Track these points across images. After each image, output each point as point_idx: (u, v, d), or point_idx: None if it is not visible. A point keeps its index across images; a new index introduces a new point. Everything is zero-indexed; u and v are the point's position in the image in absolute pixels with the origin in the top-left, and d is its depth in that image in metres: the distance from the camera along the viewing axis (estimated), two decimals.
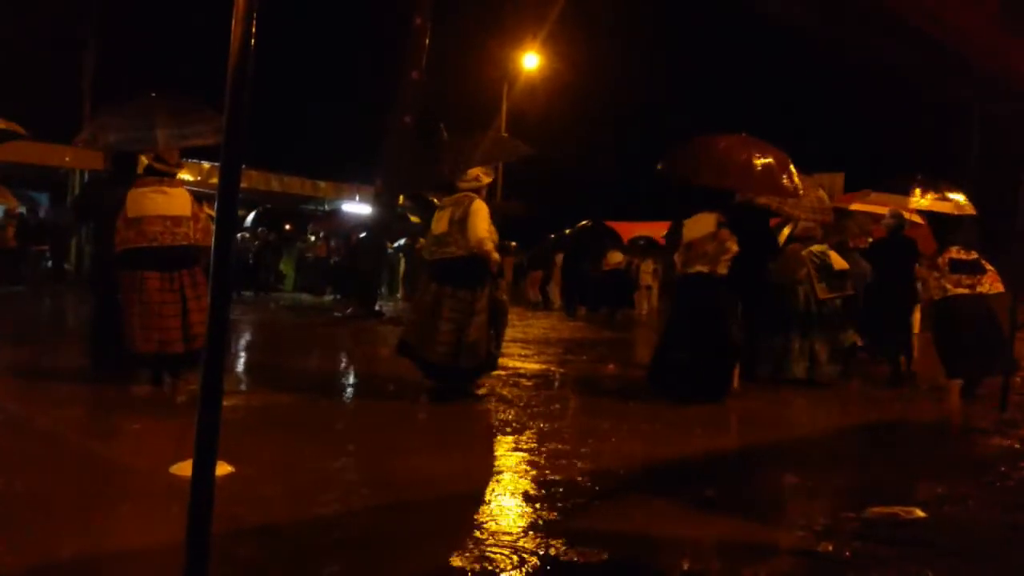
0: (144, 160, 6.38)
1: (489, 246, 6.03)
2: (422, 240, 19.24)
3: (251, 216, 21.40)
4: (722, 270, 6.58)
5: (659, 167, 7.13)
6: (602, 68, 28.64)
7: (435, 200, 6.91)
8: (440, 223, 6.22)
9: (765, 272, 7.85)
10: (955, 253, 7.83)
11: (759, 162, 6.71)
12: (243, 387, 6.43)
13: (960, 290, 7.61)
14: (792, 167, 6.86)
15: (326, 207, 25.30)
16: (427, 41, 14.34)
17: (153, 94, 6.60)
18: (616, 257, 18.47)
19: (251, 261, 19.51)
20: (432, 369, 6.24)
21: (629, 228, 22.16)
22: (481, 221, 6.01)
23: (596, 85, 29.17)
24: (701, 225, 6.72)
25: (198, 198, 6.51)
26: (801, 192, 7.16)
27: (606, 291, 18.18)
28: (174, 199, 6.15)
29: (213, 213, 6.61)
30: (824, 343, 7.99)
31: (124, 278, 6.03)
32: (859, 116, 27.33)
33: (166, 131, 6.30)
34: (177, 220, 6.09)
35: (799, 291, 8.02)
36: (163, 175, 6.24)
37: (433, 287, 6.17)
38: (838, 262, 8.31)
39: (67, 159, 18.30)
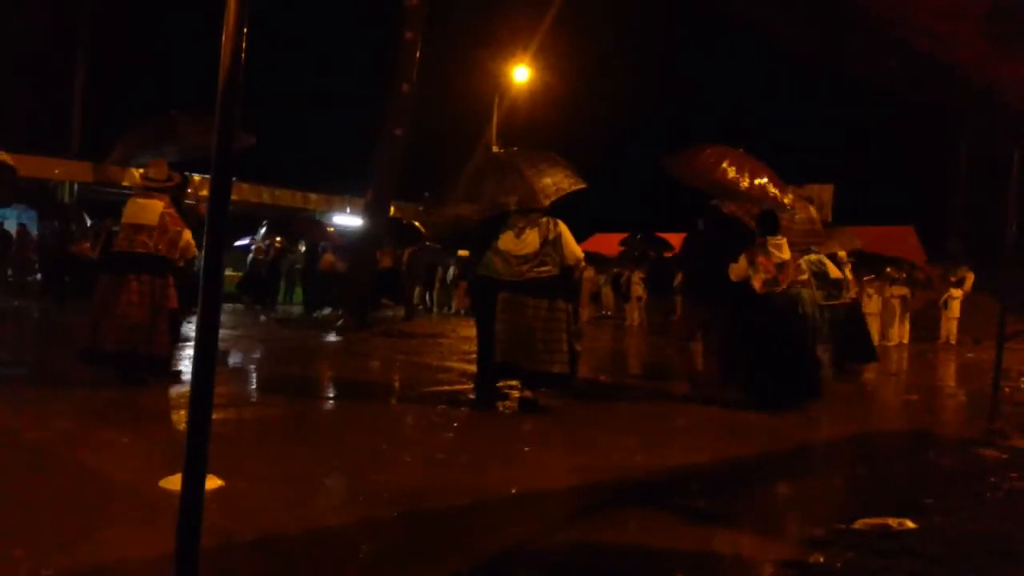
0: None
1: (583, 263, 6.65)
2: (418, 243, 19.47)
3: (264, 228, 21.24)
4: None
5: (666, 164, 7.59)
6: (593, 80, 28.79)
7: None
8: (525, 243, 6.42)
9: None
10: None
11: (758, 179, 7.24)
12: (233, 400, 6.40)
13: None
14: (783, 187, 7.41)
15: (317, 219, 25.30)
16: (418, 54, 14.38)
17: (172, 112, 7.07)
18: None
19: (263, 272, 19.37)
20: (538, 380, 6.47)
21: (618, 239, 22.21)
22: (574, 242, 6.52)
23: (587, 98, 29.34)
24: (786, 248, 7.19)
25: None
26: (788, 206, 7.53)
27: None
28: (143, 209, 6.53)
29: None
30: (823, 348, 8.12)
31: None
32: (849, 127, 27.54)
33: (172, 147, 7.12)
34: (138, 228, 6.47)
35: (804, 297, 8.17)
36: (150, 189, 6.67)
37: (533, 302, 6.34)
38: (834, 271, 8.45)
39: (56, 171, 18.28)
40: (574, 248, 6.49)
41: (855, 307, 10.48)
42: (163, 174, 6.72)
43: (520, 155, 7.04)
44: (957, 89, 5.13)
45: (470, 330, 15.57)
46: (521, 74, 25.56)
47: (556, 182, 6.66)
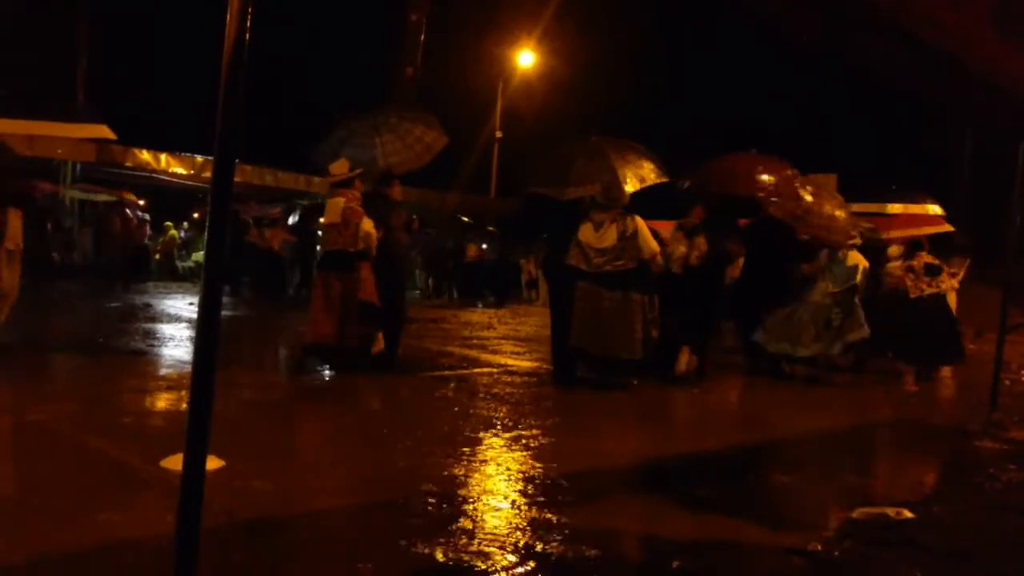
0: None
1: (660, 258, 6.98)
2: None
3: (295, 215, 20.85)
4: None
5: (686, 185, 8.30)
6: (598, 66, 28.64)
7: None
8: (604, 237, 6.84)
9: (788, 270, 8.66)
10: (928, 258, 9.22)
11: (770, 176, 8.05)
12: (235, 381, 6.41)
13: (931, 290, 9.00)
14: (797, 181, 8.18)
15: (320, 202, 25.20)
16: (422, 38, 14.33)
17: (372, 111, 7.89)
18: (471, 251, 20.14)
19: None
20: (608, 366, 6.94)
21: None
22: (651, 236, 6.87)
23: (591, 83, 29.19)
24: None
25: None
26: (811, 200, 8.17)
27: (472, 280, 19.92)
28: (330, 209, 6.87)
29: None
30: (837, 332, 8.26)
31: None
32: (853, 117, 27.40)
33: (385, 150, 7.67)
34: (330, 227, 6.82)
35: (819, 284, 8.43)
36: (335, 187, 6.96)
37: (608, 294, 6.78)
38: (858, 259, 8.57)
39: (59, 151, 18.19)
40: (650, 242, 6.82)
41: (938, 303, 9.26)
42: (343, 168, 6.96)
43: (609, 142, 7.29)
44: (962, 80, 5.11)
45: (470, 315, 15.59)
46: (526, 59, 25.44)
47: (641, 174, 6.98)
